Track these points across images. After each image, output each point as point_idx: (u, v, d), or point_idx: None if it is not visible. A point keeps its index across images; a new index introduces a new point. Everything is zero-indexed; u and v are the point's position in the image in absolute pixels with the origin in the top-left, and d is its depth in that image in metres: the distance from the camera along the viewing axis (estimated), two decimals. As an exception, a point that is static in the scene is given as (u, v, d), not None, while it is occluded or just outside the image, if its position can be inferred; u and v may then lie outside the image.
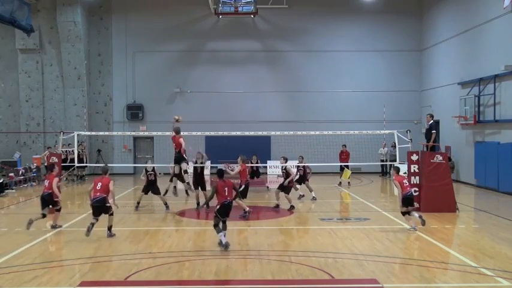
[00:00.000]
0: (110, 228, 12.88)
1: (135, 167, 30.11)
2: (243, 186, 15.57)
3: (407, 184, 13.63)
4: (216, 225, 11.53)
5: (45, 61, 29.91)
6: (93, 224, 12.52)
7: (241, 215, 14.95)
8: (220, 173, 11.97)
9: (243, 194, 15.36)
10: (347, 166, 23.21)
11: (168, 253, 11.22)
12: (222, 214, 11.53)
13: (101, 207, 12.69)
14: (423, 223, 13.39)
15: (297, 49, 31.26)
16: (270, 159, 29.76)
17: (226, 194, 11.61)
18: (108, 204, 12.70)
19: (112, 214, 12.89)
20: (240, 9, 30.49)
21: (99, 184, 12.73)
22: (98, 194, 12.65)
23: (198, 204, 17.32)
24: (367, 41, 31.02)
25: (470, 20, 24.47)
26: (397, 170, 14.07)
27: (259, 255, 10.90)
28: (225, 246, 11.19)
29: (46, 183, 14.20)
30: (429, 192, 16.23)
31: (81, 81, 29.72)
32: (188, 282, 9.19)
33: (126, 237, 12.95)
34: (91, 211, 12.93)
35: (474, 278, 9.31)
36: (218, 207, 11.52)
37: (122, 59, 31.02)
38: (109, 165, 29.28)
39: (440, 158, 16.46)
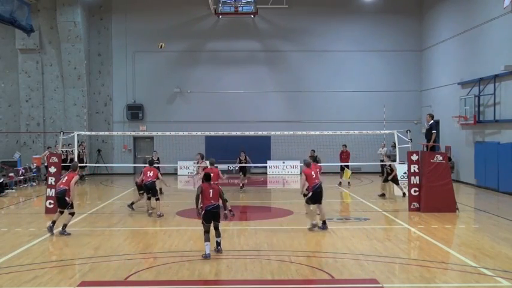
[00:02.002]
0: (63, 226, 12.96)
1: (135, 167, 30.13)
2: (310, 193, 13.41)
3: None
4: (206, 232, 10.79)
5: (45, 61, 29.91)
6: (54, 221, 13.13)
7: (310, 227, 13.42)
8: (207, 177, 11.10)
9: (313, 200, 13.38)
10: (347, 166, 23.20)
11: (168, 253, 11.22)
12: (207, 220, 10.82)
13: (60, 198, 13.03)
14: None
15: (297, 49, 31.25)
16: (270, 159, 29.82)
17: (211, 196, 10.83)
18: (66, 198, 12.93)
19: (71, 214, 13.08)
20: (240, 9, 30.51)
21: (65, 178, 13.25)
22: (61, 186, 13.11)
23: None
24: (367, 41, 31.01)
25: (470, 20, 24.47)
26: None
27: (259, 255, 10.90)
28: (205, 257, 10.54)
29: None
30: (429, 192, 16.23)
31: (81, 81, 29.71)
32: (188, 282, 9.19)
33: (126, 237, 12.96)
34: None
35: (474, 278, 9.31)
36: (203, 212, 10.88)
37: (122, 59, 31.02)
38: (109, 165, 29.71)
39: (440, 158, 16.45)
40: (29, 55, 29.66)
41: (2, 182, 21.83)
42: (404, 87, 31.06)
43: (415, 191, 16.57)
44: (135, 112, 31.00)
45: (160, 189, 19.89)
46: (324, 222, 13.25)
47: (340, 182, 24.22)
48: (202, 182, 11.17)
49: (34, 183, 25.24)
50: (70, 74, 29.59)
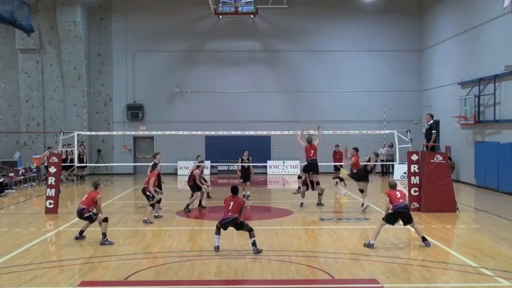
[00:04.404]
0: (103, 235, 12.14)
1: (135, 166, 30.14)
2: (390, 211, 12.12)
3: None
4: (217, 227, 11.35)
5: (45, 61, 29.91)
6: (80, 232, 12.62)
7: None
8: (233, 190, 11.57)
9: (392, 221, 12.04)
10: (341, 166, 23.18)
11: (168, 253, 11.23)
12: (222, 227, 11.29)
13: (82, 218, 12.49)
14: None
15: (297, 49, 31.25)
16: (270, 159, 29.80)
17: (230, 208, 11.17)
18: (86, 215, 12.29)
19: (104, 220, 12.24)
20: (240, 9, 30.49)
21: (86, 196, 12.72)
22: (81, 205, 12.49)
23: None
24: (367, 41, 31.01)
25: (470, 20, 24.47)
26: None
27: (259, 255, 10.89)
28: (214, 248, 11.19)
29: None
30: (429, 192, 16.24)
31: (81, 81, 29.72)
32: (188, 282, 9.19)
33: (126, 237, 12.95)
34: None
35: (474, 278, 9.31)
36: (220, 220, 11.34)
37: (122, 59, 31.02)
38: (109, 165, 29.68)
39: (440, 158, 16.46)
40: (29, 55, 29.66)
41: (2, 182, 21.83)
42: (404, 87, 31.06)
43: (415, 191, 16.57)
44: (135, 112, 31.01)
45: (208, 193, 19.19)
46: (424, 239, 11.95)
47: (337, 182, 24.22)
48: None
49: (34, 183, 25.24)
50: (70, 74, 29.59)
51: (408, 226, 12.15)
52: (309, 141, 17.51)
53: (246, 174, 19.11)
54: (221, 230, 11.33)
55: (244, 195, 18.98)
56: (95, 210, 12.40)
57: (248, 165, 19.06)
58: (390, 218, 11.92)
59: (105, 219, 12.24)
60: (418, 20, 31.03)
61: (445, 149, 25.62)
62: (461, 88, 25.26)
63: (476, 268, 9.89)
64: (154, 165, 16.15)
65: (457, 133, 25.65)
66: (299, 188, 17.62)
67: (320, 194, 17.54)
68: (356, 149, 17.43)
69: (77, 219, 14.54)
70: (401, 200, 11.94)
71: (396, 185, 12.70)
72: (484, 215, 16.20)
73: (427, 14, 30.30)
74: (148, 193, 15.03)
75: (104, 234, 12.09)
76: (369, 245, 11.70)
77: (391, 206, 11.98)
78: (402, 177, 25.23)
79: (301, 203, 17.66)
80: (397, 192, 12.09)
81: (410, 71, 31.18)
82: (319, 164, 17.51)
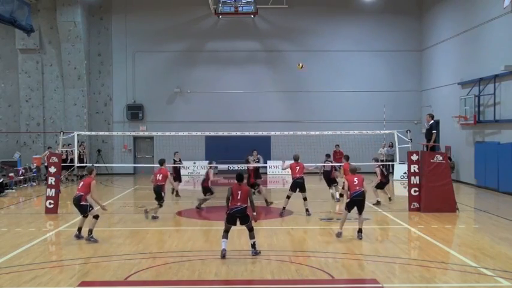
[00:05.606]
0: (89, 232, 12.08)
1: (135, 167, 30.14)
2: (348, 200, 12.75)
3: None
4: (224, 231, 10.91)
5: (45, 61, 29.90)
6: (78, 229, 12.51)
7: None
8: (239, 177, 11.16)
9: (350, 208, 12.61)
10: (341, 166, 23.17)
11: (168, 253, 11.23)
12: (229, 221, 10.93)
13: (76, 205, 12.44)
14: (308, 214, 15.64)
15: (297, 49, 31.24)
16: (270, 159, 29.78)
17: (239, 198, 10.82)
18: (82, 203, 12.23)
19: (95, 217, 12.19)
20: (240, 9, 30.48)
21: (81, 183, 12.57)
22: (77, 192, 12.45)
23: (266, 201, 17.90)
24: (367, 41, 31.01)
25: (470, 20, 24.48)
26: (296, 158, 16.16)
27: (259, 255, 10.89)
28: (221, 251, 10.69)
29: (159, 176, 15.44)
30: (429, 192, 16.24)
31: (81, 81, 29.71)
32: (188, 282, 9.19)
33: (126, 237, 12.95)
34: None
35: (474, 278, 9.31)
36: (227, 212, 10.98)
37: (122, 59, 31.01)
38: (109, 165, 29.68)
39: (440, 158, 16.46)
40: (29, 55, 29.64)
41: (2, 182, 21.83)
42: (404, 87, 31.06)
43: (415, 191, 16.58)
44: (135, 112, 31.00)
45: (177, 191, 20.00)
46: (360, 231, 12.42)
47: (337, 182, 24.24)
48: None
49: (34, 183, 25.24)
50: (70, 74, 29.58)
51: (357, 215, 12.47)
52: (296, 158, 16.39)
53: (256, 175, 19.39)
54: (228, 234, 10.93)
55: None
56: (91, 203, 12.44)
57: (258, 168, 19.43)
58: (349, 206, 12.48)
59: (96, 217, 12.25)
60: (418, 20, 31.03)
61: (445, 149, 25.62)
62: (461, 88, 25.26)
63: (476, 268, 9.89)
64: (162, 161, 16.18)
65: (457, 133, 25.65)
66: (284, 208, 16.17)
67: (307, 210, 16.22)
68: (347, 157, 17.33)
69: (77, 219, 14.59)
70: (357, 188, 12.27)
71: (356, 169, 12.99)
72: (484, 215, 16.20)
73: (427, 14, 30.31)
74: (163, 193, 15.33)
75: (90, 231, 12.08)
76: (338, 234, 12.56)
77: (349, 193, 12.41)
78: (402, 177, 25.23)
79: (283, 207, 16.34)
80: (355, 179, 12.41)
81: (410, 71, 31.18)
82: (318, 163, 17.42)
